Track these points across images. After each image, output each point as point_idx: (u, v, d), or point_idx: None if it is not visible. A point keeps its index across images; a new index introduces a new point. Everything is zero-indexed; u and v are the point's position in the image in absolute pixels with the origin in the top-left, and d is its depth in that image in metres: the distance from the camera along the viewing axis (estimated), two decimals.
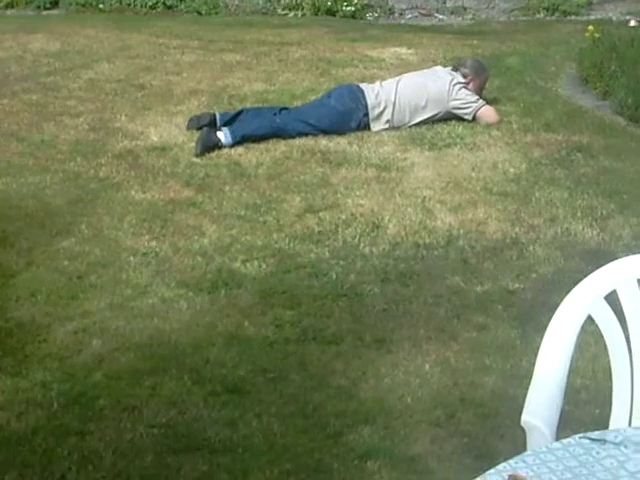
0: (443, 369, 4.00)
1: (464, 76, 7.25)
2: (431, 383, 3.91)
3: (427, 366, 4.02)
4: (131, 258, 5.03)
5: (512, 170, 6.22)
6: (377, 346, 4.19)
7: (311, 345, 4.20)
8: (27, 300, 4.59)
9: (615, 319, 2.54)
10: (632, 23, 10.59)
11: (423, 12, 12.49)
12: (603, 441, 1.94)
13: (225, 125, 6.85)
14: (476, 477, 1.80)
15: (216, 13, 12.54)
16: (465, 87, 7.17)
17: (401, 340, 4.23)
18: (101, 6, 12.99)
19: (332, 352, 4.13)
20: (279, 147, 6.67)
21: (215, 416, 3.71)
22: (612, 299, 2.52)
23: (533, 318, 4.13)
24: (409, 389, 3.87)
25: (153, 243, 5.22)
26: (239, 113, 7.09)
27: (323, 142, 6.75)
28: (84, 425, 3.65)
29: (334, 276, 4.82)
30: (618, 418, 2.52)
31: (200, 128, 6.85)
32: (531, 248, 5.13)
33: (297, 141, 6.75)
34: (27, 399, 3.80)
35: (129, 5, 12.96)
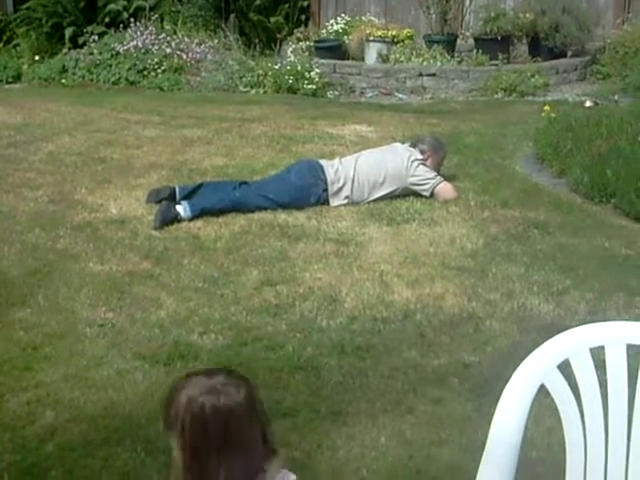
0: (399, 442, 3.98)
1: (422, 152, 7.33)
2: (387, 456, 3.89)
3: (383, 439, 4.00)
4: (87, 329, 5.00)
5: (469, 245, 6.27)
6: (333, 418, 4.16)
7: None
8: None
9: (568, 389, 2.56)
10: (587, 104, 10.77)
11: (383, 91, 12.65)
12: None
13: (184, 199, 6.87)
14: None
15: (178, 89, 12.64)
16: (423, 164, 7.24)
17: (357, 413, 4.21)
18: (64, 81, 13.09)
19: (288, 424, 4.09)
20: (238, 221, 6.69)
21: None
22: (565, 369, 2.54)
23: (489, 391, 4.12)
24: (364, 462, 3.84)
25: (110, 314, 5.20)
26: (199, 187, 7.12)
27: (282, 216, 6.77)
28: None
29: (291, 349, 4.81)
30: None
31: (159, 201, 6.86)
32: (487, 322, 5.14)
33: (256, 215, 6.78)
34: None
35: (92, 80, 13.08)
